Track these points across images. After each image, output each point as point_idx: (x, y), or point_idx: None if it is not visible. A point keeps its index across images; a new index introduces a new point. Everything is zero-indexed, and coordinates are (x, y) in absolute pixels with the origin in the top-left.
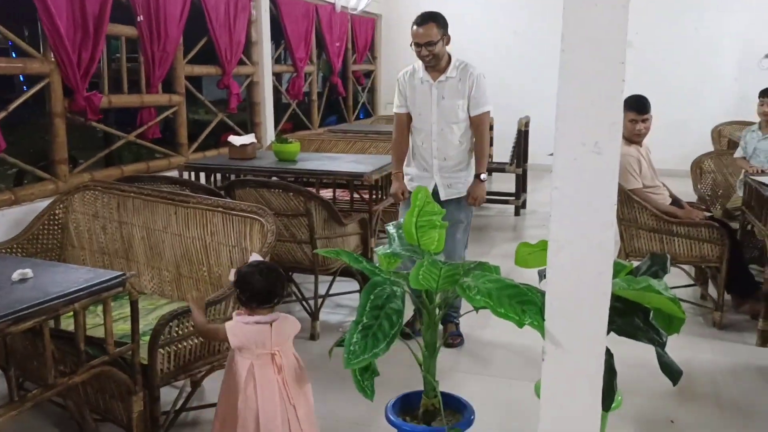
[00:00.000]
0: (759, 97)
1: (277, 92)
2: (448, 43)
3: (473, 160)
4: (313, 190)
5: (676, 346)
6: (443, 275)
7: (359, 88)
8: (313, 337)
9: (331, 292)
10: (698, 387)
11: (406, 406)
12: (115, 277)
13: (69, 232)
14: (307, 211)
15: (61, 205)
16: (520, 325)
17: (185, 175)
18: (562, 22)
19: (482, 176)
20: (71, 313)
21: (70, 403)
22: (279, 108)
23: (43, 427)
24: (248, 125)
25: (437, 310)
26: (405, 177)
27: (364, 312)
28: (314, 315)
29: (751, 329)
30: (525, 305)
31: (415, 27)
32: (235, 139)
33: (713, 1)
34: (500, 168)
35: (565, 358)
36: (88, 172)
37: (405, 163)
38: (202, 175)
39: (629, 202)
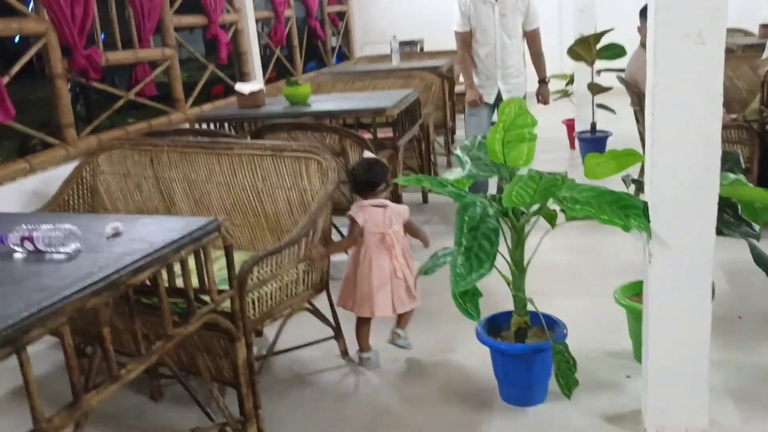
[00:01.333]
0: None
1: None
2: None
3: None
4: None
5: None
6: (541, 188)
7: (335, 30)
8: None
9: None
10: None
11: (493, 328)
12: (210, 223)
13: (99, 194)
14: (342, 150)
15: (88, 168)
16: (627, 229)
17: (195, 128)
18: None
19: (547, 79)
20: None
21: (173, 367)
22: (262, 56)
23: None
24: (236, 76)
25: (525, 227)
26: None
27: (462, 234)
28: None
29: None
30: (627, 209)
31: None
32: (243, 87)
33: None
34: None
35: (674, 258)
36: (95, 135)
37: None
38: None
39: None
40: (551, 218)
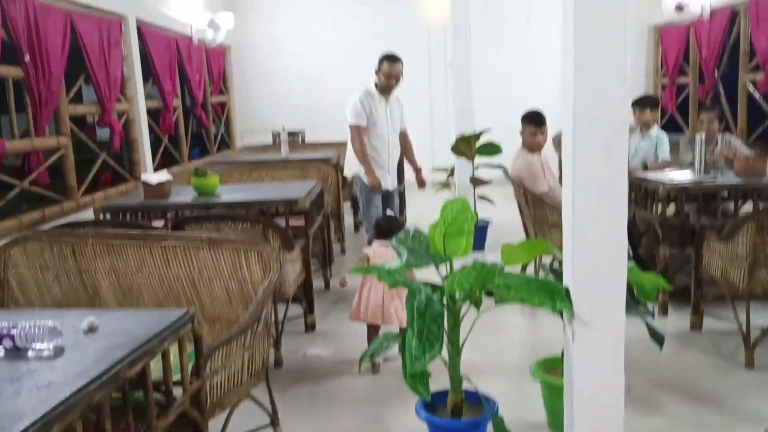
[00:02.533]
0: (632, 107)
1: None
2: None
3: None
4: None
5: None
6: (480, 276)
7: (217, 119)
8: (278, 363)
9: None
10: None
11: (428, 405)
12: (185, 314)
13: (11, 289)
14: (265, 240)
15: None
16: (555, 310)
17: (101, 218)
18: (575, 50)
19: (420, 168)
20: None
21: None
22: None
23: None
24: (125, 163)
25: (461, 310)
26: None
27: (413, 318)
28: (277, 343)
29: None
30: (553, 293)
31: (392, 64)
32: (150, 178)
33: (535, 25)
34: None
35: (593, 336)
36: None
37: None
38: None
39: (540, 203)
40: (478, 303)
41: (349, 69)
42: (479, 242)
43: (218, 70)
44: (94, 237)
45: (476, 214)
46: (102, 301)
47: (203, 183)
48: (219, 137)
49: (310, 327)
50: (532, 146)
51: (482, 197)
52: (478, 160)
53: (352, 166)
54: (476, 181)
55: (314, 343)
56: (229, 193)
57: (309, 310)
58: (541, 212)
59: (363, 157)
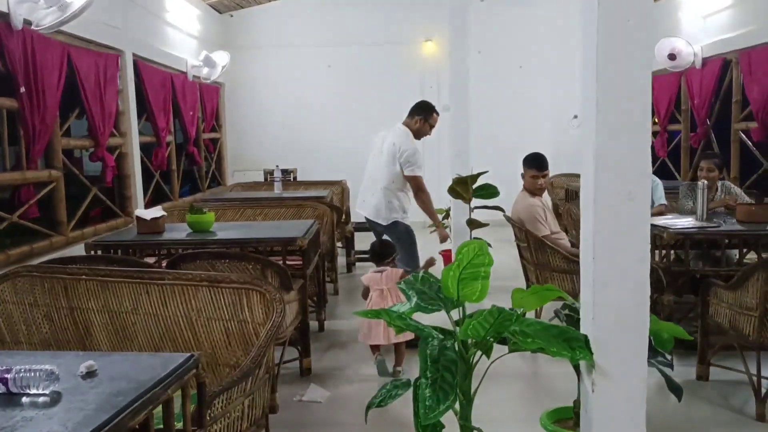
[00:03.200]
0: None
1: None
2: None
3: None
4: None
5: None
6: (497, 323)
7: (209, 156)
8: (272, 409)
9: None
10: None
11: None
12: (188, 359)
13: None
14: (264, 279)
15: None
16: (574, 360)
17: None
18: (596, 95)
19: None
20: None
21: None
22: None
23: None
24: (116, 198)
25: (473, 358)
26: (404, 216)
27: (426, 366)
28: (272, 388)
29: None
30: (571, 342)
31: (438, 114)
32: (144, 213)
33: (528, 70)
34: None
35: (614, 387)
36: None
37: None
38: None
39: (542, 247)
40: (489, 351)
41: (342, 109)
42: None
43: (212, 107)
44: (88, 274)
45: None
46: (94, 341)
47: (199, 220)
48: (210, 174)
49: (306, 371)
50: (533, 190)
51: (479, 240)
52: (474, 202)
53: (394, 211)
54: (473, 224)
55: (310, 388)
56: (225, 231)
57: (305, 353)
58: (543, 257)
59: (431, 207)
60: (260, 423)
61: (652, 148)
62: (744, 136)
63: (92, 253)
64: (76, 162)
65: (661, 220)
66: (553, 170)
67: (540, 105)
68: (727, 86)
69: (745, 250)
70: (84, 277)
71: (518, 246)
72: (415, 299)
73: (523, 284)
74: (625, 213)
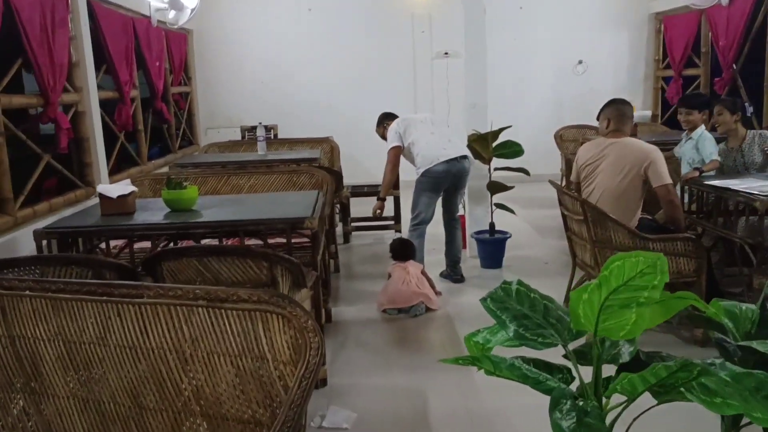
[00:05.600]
0: (678, 107)
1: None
2: None
3: None
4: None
5: None
6: (663, 380)
7: (179, 113)
8: None
9: None
10: None
11: None
12: None
13: None
14: (273, 280)
15: None
16: None
17: (44, 245)
18: None
19: None
20: None
21: None
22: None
23: None
24: (74, 166)
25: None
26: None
27: None
28: None
29: None
30: None
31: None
32: (109, 189)
33: (528, 12)
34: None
35: None
36: None
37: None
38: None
39: (603, 222)
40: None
41: (325, 58)
42: (496, 259)
43: (180, 57)
44: (34, 288)
45: (492, 225)
46: (45, 381)
47: (179, 197)
48: (181, 132)
49: (321, 382)
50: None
51: (501, 206)
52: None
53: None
54: (496, 187)
55: (331, 411)
56: (211, 209)
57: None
58: (603, 231)
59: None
60: None
61: (665, 96)
62: None
63: (44, 243)
64: (33, 125)
65: (730, 183)
66: (557, 122)
67: (541, 51)
68: (759, 26)
69: None
70: (28, 292)
71: (565, 217)
72: (512, 327)
73: (543, 251)
74: None
